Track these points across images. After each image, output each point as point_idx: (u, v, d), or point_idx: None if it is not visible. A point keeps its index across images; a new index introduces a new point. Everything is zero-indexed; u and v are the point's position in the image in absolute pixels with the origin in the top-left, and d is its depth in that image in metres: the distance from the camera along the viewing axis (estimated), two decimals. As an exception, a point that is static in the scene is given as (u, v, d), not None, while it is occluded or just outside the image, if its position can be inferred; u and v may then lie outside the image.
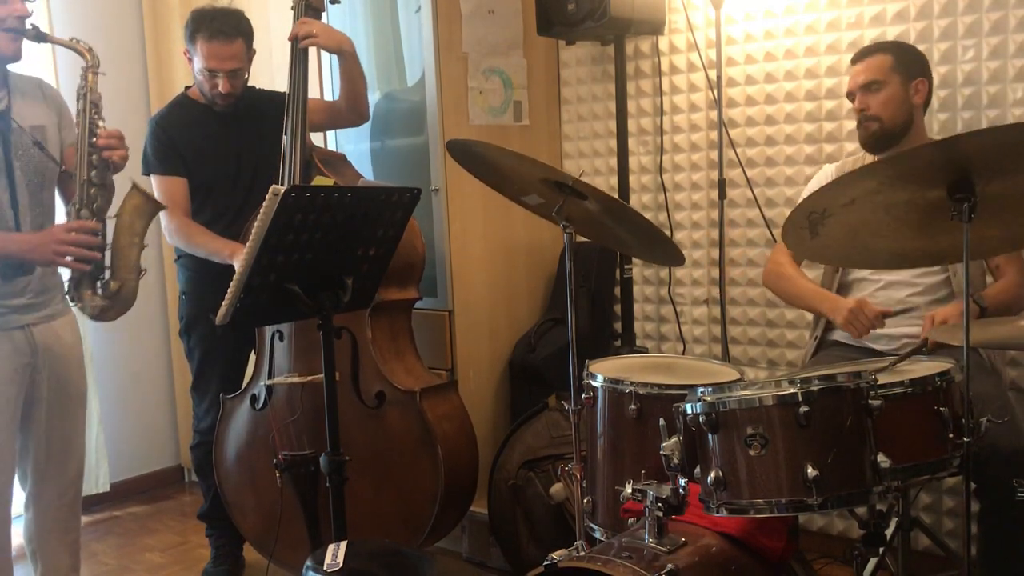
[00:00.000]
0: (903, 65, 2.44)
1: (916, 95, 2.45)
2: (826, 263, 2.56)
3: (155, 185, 2.90)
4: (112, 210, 2.37)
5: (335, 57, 2.89)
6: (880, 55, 2.45)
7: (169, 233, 2.90)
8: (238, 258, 2.62)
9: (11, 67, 2.34)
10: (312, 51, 2.85)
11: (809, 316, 2.84)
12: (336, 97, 2.99)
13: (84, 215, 2.30)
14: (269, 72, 3.55)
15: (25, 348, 2.36)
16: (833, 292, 2.57)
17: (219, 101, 2.84)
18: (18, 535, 2.55)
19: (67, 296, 2.37)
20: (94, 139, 2.31)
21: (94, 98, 2.33)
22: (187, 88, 2.96)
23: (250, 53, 2.86)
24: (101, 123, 2.34)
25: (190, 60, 2.84)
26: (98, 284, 2.33)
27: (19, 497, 2.52)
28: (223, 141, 2.90)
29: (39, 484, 2.49)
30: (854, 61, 2.50)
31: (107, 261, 2.34)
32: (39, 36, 2.28)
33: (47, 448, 2.46)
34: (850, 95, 2.51)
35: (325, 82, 3.42)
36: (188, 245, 2.86)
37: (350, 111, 2.94)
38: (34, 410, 2.43)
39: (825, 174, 2.64)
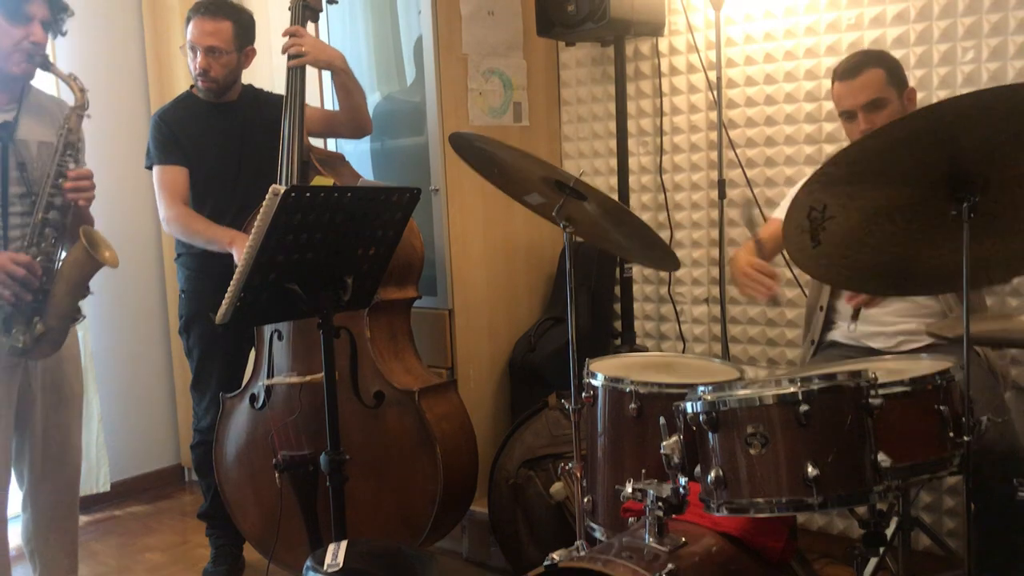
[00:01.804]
0: (894, 77, 2.37)
1: (909, 104, 2.40)
2: (828, 283, 2.45)
3: (156, 175, 2.90)
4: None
5: None
6: (873, 69, 2.34)
7: (166, 222, 2.89)
8: (237, 246, 2.62)
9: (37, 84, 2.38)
10: None
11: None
12: (336, 108, 3.00)
13: (33, 252, 2.28)
14: (269, 72, 3.54)
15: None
16: (824, 301, 2.56)
17: (200, 83, 2.86)
18: (17, 535, 2.56)
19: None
20: (60, 180, 2.30)
21: (72, 139, 2.33)
22: (192, 86, 2.97)
23: (243, 47, 2.87)
24: (73, 165, 2.32)
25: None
26: (29, 324, 2.30)
27: (17, 497, 2.51)
28: (224, 137, 2.90)
29: (36, 484, 2.49)
30: (843, 78, 2.37)
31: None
32: (44, 64, 2.33)
33: (43, 449, 2.46)
34: (848, 114, 2.39)
35: (325, 90, 3.42)
36: (186, 234, 2.85)
37: (349, 123, 2.95)
38: (30, 411, 2.43)
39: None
